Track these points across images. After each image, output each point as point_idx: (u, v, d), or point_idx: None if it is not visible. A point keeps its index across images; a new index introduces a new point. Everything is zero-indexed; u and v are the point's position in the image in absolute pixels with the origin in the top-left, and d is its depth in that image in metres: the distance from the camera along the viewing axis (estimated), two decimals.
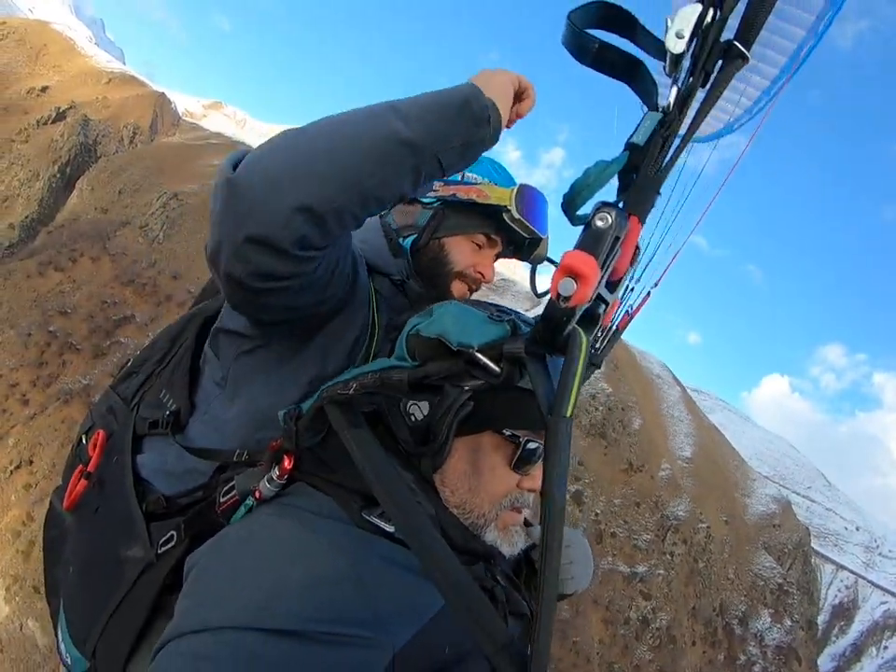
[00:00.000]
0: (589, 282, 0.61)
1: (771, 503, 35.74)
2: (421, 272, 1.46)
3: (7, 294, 30.67)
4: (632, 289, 2.17)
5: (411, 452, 0.94)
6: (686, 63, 0.70)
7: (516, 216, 1.41)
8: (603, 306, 0.71)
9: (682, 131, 0.71)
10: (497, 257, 1.55)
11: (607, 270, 0.65)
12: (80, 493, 1.28)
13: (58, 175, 44.12)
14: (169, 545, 1.09)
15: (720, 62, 0.70)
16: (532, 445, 0.95)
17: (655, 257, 2.23)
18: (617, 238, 0.63)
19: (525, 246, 1.53)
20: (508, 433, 0.94)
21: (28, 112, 48.95)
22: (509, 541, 0.98)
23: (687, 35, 0.65)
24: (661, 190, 0.70)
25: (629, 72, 0.75)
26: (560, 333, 0.66)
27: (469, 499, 0.94)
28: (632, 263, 0.74)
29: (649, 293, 2.18)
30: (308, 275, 1.00)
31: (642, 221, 0.68)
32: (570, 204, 0.70)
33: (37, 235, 40.06)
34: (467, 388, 0.90)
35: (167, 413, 1.25)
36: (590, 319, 0.71)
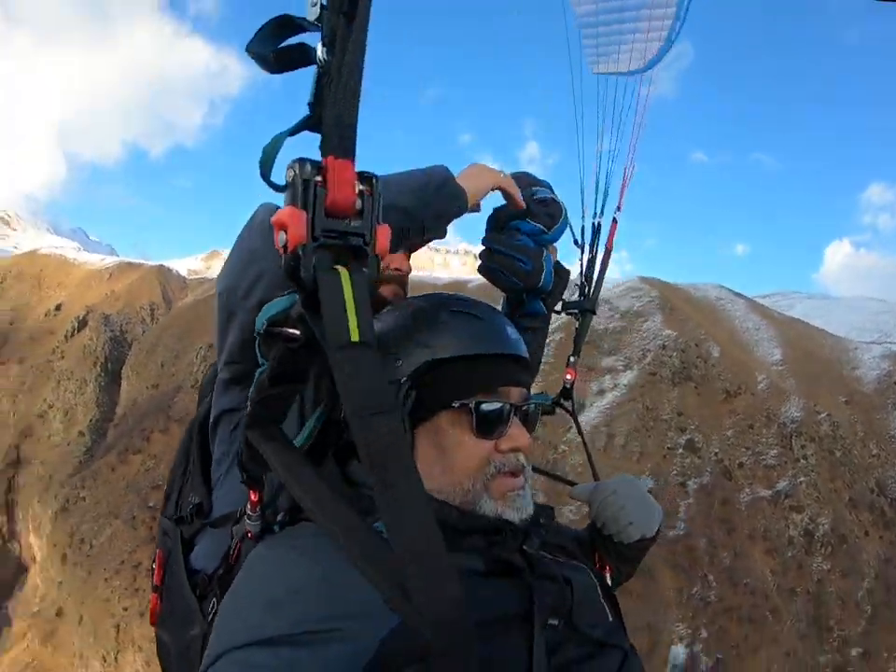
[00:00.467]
0: (292, 224, 0.66)
1: (882, 363, 33.64)
2: None
3: (101, 492, 32.57)
4: (599, 224, 2.19)
5: None
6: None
7: None
8: (360, 239, 0.71)
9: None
10: (410, 250, 1.63)
11: (314, 208, 0.67)
12: (155, 607, 1.45)
13: (102, 374, 47.26)
14: (213, 612, 1.17)
15: None
16: (487, 406, 0.99)
17: (611, 185, 2.26)
18: (306, 181, 0.66)
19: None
20: (457, 404, 0.97)
21: (53, 332, 52.73)
22: (511, 507, 0.99)
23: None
24: (352, 122, 0.71)
25: (306, 57, 0.77)
26: (301, 279, 0.68)
27: (446, 480, 0.98)
28: (370, 194, 0.74)
29: (615, 219, 2.19)
30: None
31: (343, 156, 0.69)
32: (264, 178, 0.71)
33: (107, 432, 42.72)
34: (404, 380, 0.97)
35: (191, 506, 1.41)
36: (356, 252, 0.72)
